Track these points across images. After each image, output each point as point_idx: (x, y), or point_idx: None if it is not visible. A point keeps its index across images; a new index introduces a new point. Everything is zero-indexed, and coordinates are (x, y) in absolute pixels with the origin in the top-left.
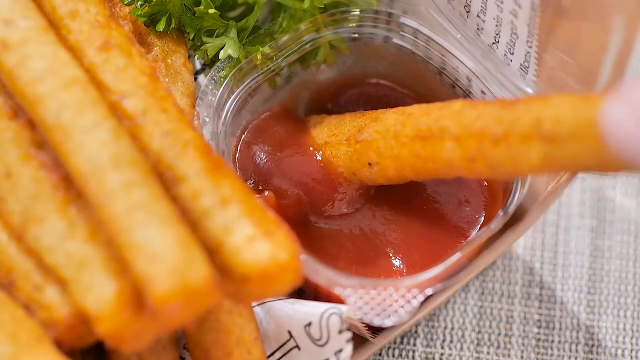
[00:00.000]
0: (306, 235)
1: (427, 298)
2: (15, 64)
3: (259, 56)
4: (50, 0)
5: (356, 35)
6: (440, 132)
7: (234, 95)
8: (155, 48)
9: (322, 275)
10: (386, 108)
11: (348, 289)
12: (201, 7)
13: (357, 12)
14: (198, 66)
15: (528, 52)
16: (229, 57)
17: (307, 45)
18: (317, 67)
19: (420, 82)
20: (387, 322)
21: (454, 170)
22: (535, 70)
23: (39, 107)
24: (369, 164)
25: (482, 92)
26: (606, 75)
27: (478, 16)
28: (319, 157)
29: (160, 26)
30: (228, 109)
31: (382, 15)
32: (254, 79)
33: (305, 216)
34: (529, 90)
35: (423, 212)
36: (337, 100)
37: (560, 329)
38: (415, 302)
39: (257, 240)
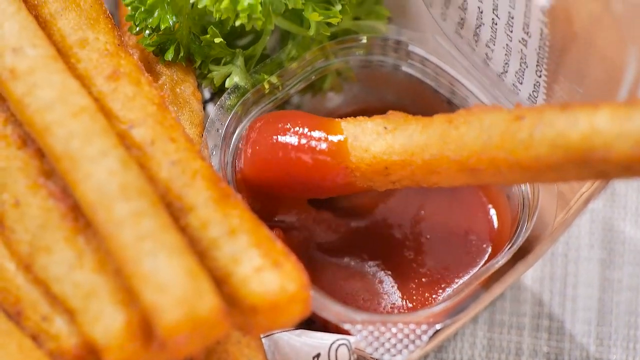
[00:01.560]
0: (313, 269)
1: (437, 332)
2: (23, 92)
3: (266, 85)
4: (59, 29)
5: (364, 63)
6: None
7: (242, 125)
8: (164, 77)
9: (331, 311)
10: None
11: (358, 325)
12: (208, 36)
13: (366, 40)
14: (207, 95)
15: (537, 82)
16: (237, 86)
17: (315, 73)
18: (323, 95)
19: (429, 110)
20: (398, 358)
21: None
22: (544, 100)
23: (47, 135)
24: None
25: None
26: None
27: (487, 45)
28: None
29: (169, 55)
30: (236, 138)
31: (391, 43)
32: (261, 107)
33: (313, 248)
34: None
35: (429, 243)
36: None
37: None
38: (425, 337)
39: (266, 270)
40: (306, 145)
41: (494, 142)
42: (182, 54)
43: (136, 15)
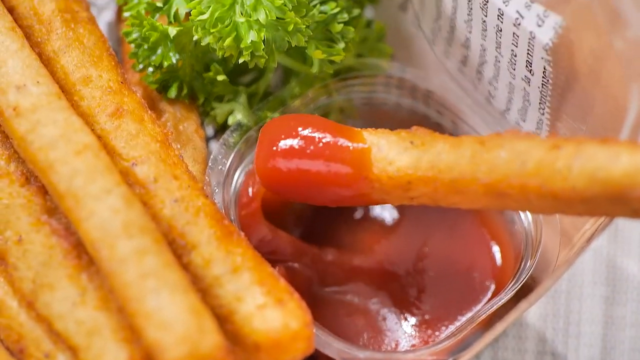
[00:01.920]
0: (316, 306)
1: None
2: (27, 129)
3: None
4: (62, 66)
5: (367, 100)
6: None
7: (244, 162)
8: (167, 114)
9: (334, 348)
10: None
11: None
12: (210, 74)
13: (369, 77)
14: (210, 132)
15: (540, 119)
16: (240, 123)
17: (318, 111)
18: None
19: None
20: None
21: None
22: (547, 136)
23: (50, 173)
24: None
25: None
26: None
27: (490, 83)
28: None
29: (172, 92)
30: (238, 175)
31: (394, 81)
32: None
33: (316, 285)
34: None
35: (432, 280)
36: None
37: None
38: None
39: (269, 308)
40: (327, 152)
41: (528, 168)
42: (185, 92)
43: (139, 52)
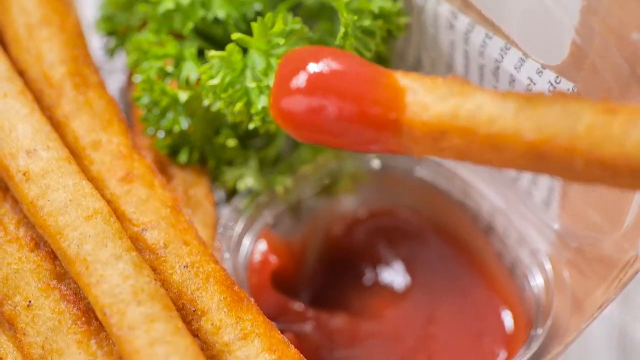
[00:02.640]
0: None
1: None
2: (37, 194)
3: (279, 189)
4: (72, 130)
5: (378, 166)
6: None
7: (254, 227)
8: (177, 179)
9: None
10: (405, 237)
11: None
12: (221, 138)
13: None
14: (221, 196)
15: (552, 186)
16: (250, 188)
17: (328, 177)
18: (336, 198)
19: (442, 213)
20: None
21: None
22: (559, 202)
23: (60, 238)
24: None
25: (505, 228)
26: (635, 210)
27: None
28: None
29: (182, 157)
30: (249, 241)
31: None
32: (274, 210)
33: (326, 351)
34: (554, 225)
35: (442, 346)
36: (357, 230)
37: None
38: None
39: None
40: (357, 89)
41: (578, 129)
42: (195, 156)
43: (149, 117)
